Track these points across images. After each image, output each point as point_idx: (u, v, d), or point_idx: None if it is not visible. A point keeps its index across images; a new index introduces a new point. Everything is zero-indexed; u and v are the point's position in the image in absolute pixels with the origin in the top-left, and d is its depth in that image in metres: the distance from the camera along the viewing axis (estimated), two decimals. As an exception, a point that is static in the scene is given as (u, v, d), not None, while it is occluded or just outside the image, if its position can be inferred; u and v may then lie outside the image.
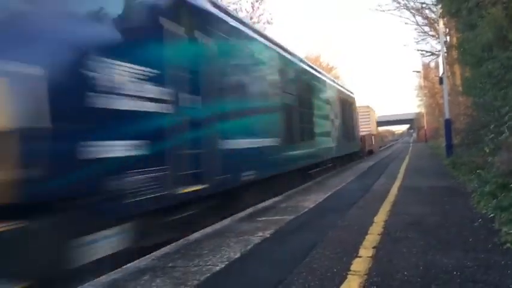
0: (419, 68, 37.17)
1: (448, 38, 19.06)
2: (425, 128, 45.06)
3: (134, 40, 3.94)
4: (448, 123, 14.22)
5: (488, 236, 3.69)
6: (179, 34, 4.69)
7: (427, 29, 23.48)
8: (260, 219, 5.36)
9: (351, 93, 18.64)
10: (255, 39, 7.34)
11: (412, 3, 22.25)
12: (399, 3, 22.30)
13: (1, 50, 2.80)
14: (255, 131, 6.81)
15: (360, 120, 21.41)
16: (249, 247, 3.88)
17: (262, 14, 28.32)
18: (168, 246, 4.14)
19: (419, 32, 24.03)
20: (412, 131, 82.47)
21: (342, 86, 17.18)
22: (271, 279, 2.93)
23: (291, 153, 8.53)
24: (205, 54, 5.21)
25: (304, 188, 8.70)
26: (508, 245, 3.33)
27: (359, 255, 3.36)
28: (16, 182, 2.76)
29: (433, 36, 23.07)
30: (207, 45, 5.28)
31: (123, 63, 3.70)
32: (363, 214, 5.15)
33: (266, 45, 7.89)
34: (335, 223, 4.70)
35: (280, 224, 4.88)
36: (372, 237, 3.93)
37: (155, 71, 4.14)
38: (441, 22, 15.17)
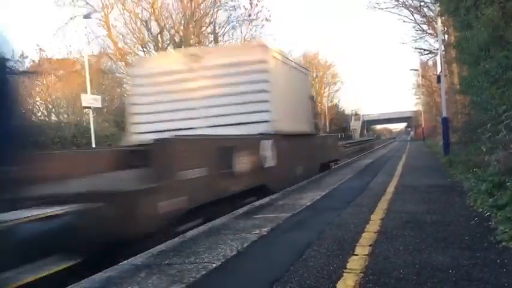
0: (417, 66, 37.26)
1: (446, 36, 19.06)
2: (423, 126, 45.17)
3: None
4: (445, 122, 14.24)
5: (484, 234, 3.70)
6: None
7: (425, 27, 23.52)
8: (257, 216, 5.36)
9: None
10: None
11: (410, 1, 22.30)
12: (397, 0, 22.33)
13: None
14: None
15: None
16: (245, 244, 3.88)
17: (260, 11, 28.47)
18: (164, 244, 4.12)
19: (417, 30, 24.09)
20: (409, 129, 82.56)
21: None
22: (268, 277, 2.93)
23: None
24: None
25: (301, 186, 8.71)
26: (504, 243, 3.34)
27: (355, 253, 3.37)
28: None
29: (431, 34, 23.10)
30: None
31: None
32: (359, 212, 5.15)
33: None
34: (332, 221, 4.71)
35: (277, 221, 4.88)
36: (369, 235, 3.94)
37: None
38: (439, 20, 15.17)
